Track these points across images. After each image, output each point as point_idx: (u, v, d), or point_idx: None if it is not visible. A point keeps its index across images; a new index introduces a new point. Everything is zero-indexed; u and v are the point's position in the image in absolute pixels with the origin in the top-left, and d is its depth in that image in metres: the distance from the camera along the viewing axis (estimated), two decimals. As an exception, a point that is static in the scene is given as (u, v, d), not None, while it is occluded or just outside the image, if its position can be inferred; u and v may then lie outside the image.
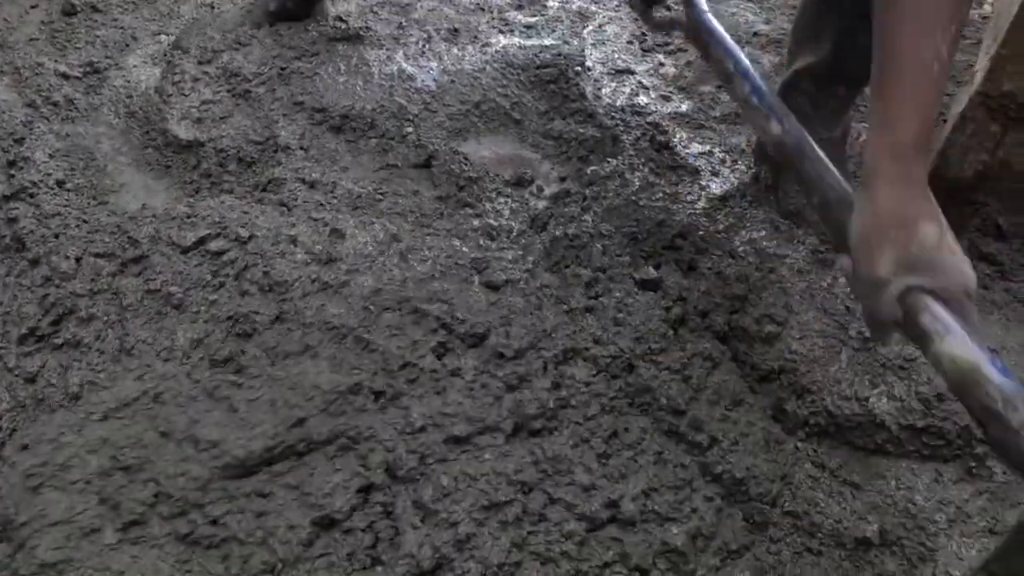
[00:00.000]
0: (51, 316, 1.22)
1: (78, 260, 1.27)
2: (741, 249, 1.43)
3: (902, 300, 0.88)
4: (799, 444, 1.27)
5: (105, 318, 1.24)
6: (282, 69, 1.86)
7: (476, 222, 1.49)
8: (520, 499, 1.09)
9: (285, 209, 1.43)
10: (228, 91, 1.83)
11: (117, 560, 1.00)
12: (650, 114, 1.86)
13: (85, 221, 1.42)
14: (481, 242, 1.40)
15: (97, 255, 1.29)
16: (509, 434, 1.15)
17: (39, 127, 1.67)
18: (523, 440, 1.16)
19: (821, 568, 1.15)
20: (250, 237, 1.31)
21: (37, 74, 1.82)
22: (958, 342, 0.81)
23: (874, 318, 0.93)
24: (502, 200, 1.66)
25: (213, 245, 1.30)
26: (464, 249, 1.34)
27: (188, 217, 1.34)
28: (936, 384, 1.30)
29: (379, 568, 1.01)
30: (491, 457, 1.11)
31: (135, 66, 1.90)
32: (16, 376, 1.18)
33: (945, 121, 1.65)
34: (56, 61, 1.88)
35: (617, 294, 1.33)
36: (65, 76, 1.84)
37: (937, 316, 0.84)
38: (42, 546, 1.00)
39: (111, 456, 1.07)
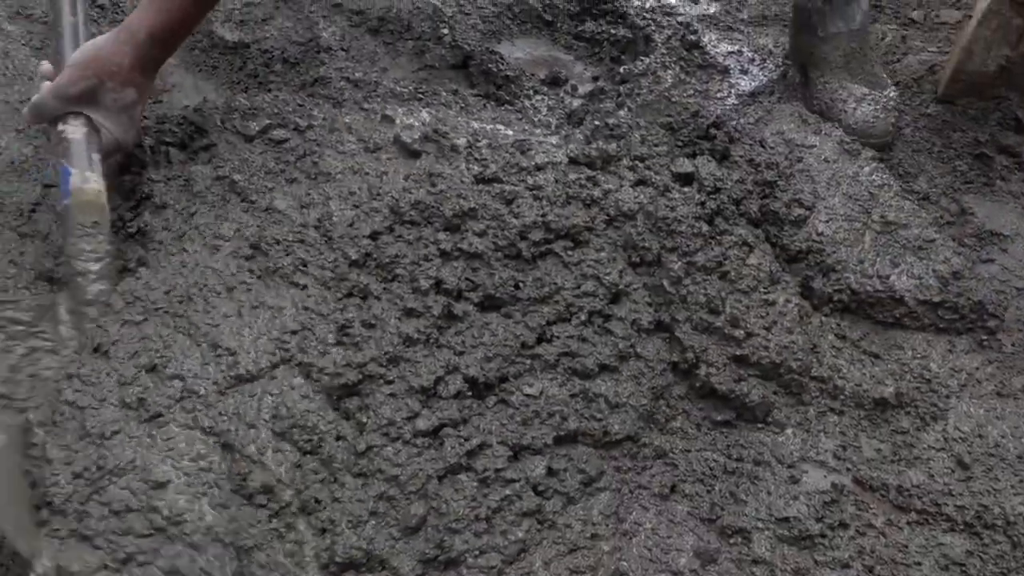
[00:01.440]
0: (130, 202, 1.30)
1: (151, 149, 1.35)
2: (771, 140, 1.50)
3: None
4: (823, 318, 1.36)
5: (176, 205, 1.31)
6: (319, -28, 1.89)
7: (517, 116, 1.56)
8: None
9: (335, 102, 1.50)
10: (267, -7, 1.87)
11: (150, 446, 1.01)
12: (680, 15, 1.90)
13: (146, 116, 1.48)
14: (525, 127, 1.47)
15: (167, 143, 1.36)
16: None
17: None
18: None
19: (843, 425, 1.27)
20: (308, 127, 1.38)
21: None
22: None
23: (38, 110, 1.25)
24: (539, 98, 1.72)
25: (275, 134, 1.37)
26: (508, 132, 1.41)
27: (249, 109, 1.40)
28: (952, 263, 1.39)
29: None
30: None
31: (173, -30, 1.93)
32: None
33: (970, 17, 1.69)
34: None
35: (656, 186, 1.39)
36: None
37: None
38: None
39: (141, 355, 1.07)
